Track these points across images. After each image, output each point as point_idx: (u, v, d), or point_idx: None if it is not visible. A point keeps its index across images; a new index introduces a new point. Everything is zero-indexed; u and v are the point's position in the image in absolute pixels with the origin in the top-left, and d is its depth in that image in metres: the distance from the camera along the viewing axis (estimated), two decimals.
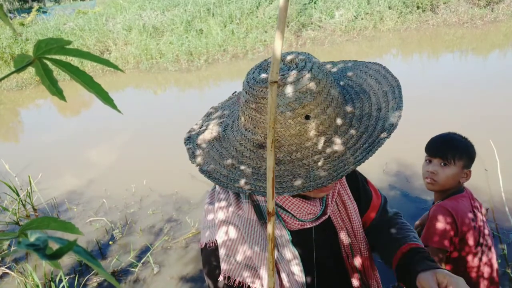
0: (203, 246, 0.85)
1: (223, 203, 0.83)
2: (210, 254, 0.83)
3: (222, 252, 0.80)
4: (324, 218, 0.84)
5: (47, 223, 0.29)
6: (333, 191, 0.87)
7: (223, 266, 0.79)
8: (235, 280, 0.79)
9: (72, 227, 0.30)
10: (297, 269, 0.82)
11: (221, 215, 0.82)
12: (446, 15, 8.77)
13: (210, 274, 0.84)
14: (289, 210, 0.80)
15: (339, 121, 0.68)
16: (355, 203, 0.92)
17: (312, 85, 0.64)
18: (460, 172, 1.48)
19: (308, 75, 0.65)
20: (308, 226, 0.83)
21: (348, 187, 0.92)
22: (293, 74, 0.65)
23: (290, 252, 0.81)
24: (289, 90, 0.64)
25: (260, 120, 0.68)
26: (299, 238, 0.83)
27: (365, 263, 0.95)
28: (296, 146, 0.66)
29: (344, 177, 0.91)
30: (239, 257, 0.79)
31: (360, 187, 0.99)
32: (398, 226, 0.98)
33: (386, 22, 8.72)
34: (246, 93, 0.69)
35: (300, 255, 0.83)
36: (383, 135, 0.65)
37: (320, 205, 0.84)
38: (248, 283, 0.79)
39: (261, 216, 0.80)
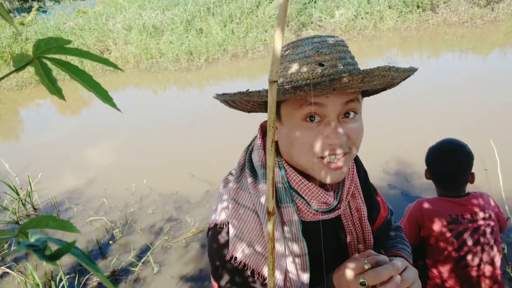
0: (212, 225, 0.84)
1: (237, 185, 0.82)
2: (218, 233, 0.82)
3: (232, 232, 0.79)
4: (337, 212, 0.83)
5: (46, 222, 0.29)
6: (348, 188, 0.85)
7: (231, 246, 0.78)
8: (241, 262, 0.78)
9: (70, 226, 0.30)
10: (302, 260, 0.81)
11: (234, 197, 0.81)
12: (446, 15, 8.77)
13: (216, 253, 0.83)
14: (303, 196, 0.79)
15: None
16: (366, 209, 0.91)
17: (331, 41, 0.70)
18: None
19: (332, 38, 0.70)
20: (320, 218, 0.81)
21: (362, 194, 0.90)
22: (318, 36, 0.71)
23: (298, 242, 0.80)
24: (308, 42, 0.70)
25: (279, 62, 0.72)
26: (307, 231, 0.82)
27: None
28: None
29: (359, 183, 0.89)
30: (249, 240, 0.78)
31: (372, 197, 0.99)
32: (392, 238, 0.99)
33: (386, 21, 8.71)
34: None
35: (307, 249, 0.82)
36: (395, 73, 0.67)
37: (335, 199, 0.83)
38: (253, 267, 0.78)
39: (276, 199, 0.79)
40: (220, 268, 0.81)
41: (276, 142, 0.82)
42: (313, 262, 0.82)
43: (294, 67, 0.69)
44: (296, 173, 0.79)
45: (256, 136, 0.86)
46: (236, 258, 0.78)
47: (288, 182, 0.79)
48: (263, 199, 0.78)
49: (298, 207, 0.80)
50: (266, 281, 0.79)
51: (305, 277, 0.81)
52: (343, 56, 0.69)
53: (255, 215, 0.79)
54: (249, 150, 0.87)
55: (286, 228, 0.79)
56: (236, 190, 0.81)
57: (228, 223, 0.81)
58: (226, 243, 0.80)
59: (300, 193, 0.79)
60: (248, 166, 0.83)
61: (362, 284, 0.67)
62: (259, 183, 0.80)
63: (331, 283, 0.73)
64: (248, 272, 0.79)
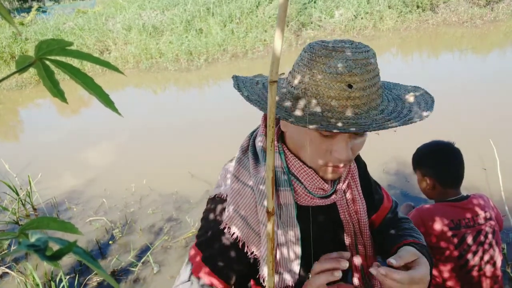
0: (212, 196, 0.89)
1: (239, 165, 0.87)
2: (217, 203, 0.87)
3: (229, 204, 0.83)
4: (333, 198, 0.85)
5: (47, 223, 0.29)
6: (345, 177, 0.89)
7: (227, 217, 0.82)
8: (234, 233, 0.82)
9: (71, 227, 0.30)
10: (294, 245, 0.83)
11: (235, 173, 0.85)
12: (446, 15, 8.77)
13: (211, 221, 0.86)
14: (301, 180, 0.82)
15: (374, 103, 0.72)
16: (364, 202, 0.93)
17: (364, 62, 0.69)
18: (421, 179, 1.59)
19: (365, 53, 0.69)
20: (316, 203, 0.84)
21: (360, 186, 0.93)
22: (351, 47, 0.70)
23: (293, 226, 0.83)
24: (343, 56, 0.69)
25: (302, 70, 0.72)
26: (302, 216, 0.84)
27: (369, 261, 0.95)
28: (331, 107, 0.69)
29: (357, 176, 0.93)
30: (244, 214, 0.82)
31: (372, 188, 1.03)
32: (403, 227, 1.00)
33: (386, 21, 8.71)
34: (305, 52, 0.73)
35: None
36: (410, 121, 0.70)
37: (331, 186, 0.85)
38: (244, 240, 0.82)
39: (276, 182, 0.83)
40: (211, 236, 0.85)
41: (282, 131, 0.86)
42: (306, 249, 0.84)
43: (324, 80, 0.69)
44: (296, 158, 0.82)
45: (260, 125, 0.90)
46: (230, 228, 0.82)
47: (288, 167, 0.83)
48: (261, 177, 0.82)
49: (296, 190, 0.83)
50: (253, 255, 0.83)
51: (296, 263, 0.84)
52: (372, 76, 0.71)
53: (252, 192, 0.82)
54: (252, 136, 0.91)
55: (282, 211, 0.82)
56: (238, 168, 0.86)
57: (227, 195, 0.85)
58: (222, 213, 0.84)
59: (299, 177, 0.82)
60: (251, 150, 0.87)
61: None
62: (260, 165, 0.84)
63: None
64: (239, 245, 0.83)
